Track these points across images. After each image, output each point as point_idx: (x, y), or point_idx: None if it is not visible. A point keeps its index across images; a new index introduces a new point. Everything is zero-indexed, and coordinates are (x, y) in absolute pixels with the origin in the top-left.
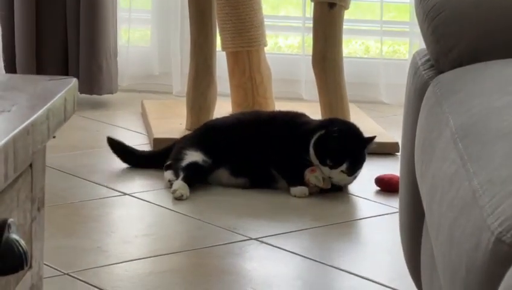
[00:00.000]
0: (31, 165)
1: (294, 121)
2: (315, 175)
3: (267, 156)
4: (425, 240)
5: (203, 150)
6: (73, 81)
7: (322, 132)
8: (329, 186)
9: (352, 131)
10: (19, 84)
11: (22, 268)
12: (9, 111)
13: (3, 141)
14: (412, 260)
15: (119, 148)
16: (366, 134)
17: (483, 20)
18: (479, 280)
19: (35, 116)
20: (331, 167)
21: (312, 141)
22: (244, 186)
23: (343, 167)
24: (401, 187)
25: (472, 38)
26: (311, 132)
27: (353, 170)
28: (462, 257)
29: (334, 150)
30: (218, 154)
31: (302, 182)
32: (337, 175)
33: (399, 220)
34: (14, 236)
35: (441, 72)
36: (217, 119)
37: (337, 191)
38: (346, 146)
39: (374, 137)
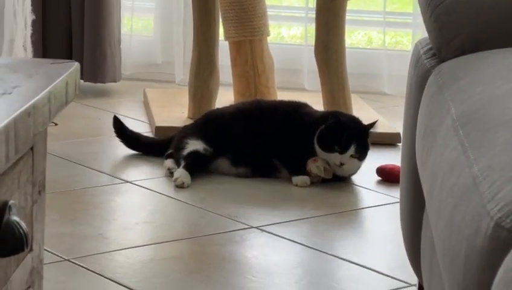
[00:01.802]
0: (32, 149)
1: (296, 111)
2: (316, 165)
3: (269, 146)
4: (425, 229)
5: (204, 139)
6: (75, 65)
7: (323, 126)
8: (330, 176)
9: (353, 118)
10: (20, 67)
11: (23, 250)
12: (10, 93)
13: (5, 123)
14: (412, 249)
15: (123, 131)
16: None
17: (485, 8)
18: (479, 265)
19: (36, 98)
20: (341, 152)
21: (316, 136)
22: (245, 176)
23: (352, 150)
24: (402, 176)
25: (474, 27)
26: (313, 124)
27: (362, 152)
28: (462, 243)
29: (340, 135)
30: (219, 144)
31: (304, 171)
32: (348, 160)
33: (400, 210)
34: (15, 218)
35: (443, 60)
36: (219, 109)
37: (339, 181)
38: (351, 130)
39: (375, 121)
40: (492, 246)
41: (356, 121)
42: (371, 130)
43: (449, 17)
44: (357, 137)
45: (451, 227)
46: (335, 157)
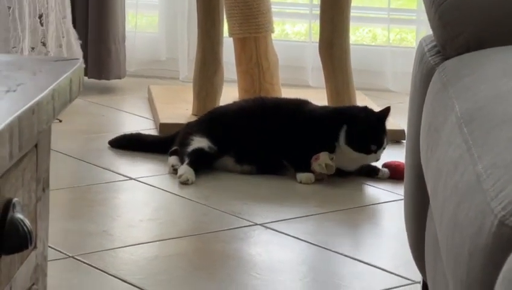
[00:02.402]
0: (36, 146)
1: (300, 108)
2: (319, 163)
3: (273, 143)
4: (429, 226)
5: (209, 136)
6: (79, 62)
7: (347, 127)
8: (333, 172)
9: (369, 111)
10: (25, 64)
11: (27, 247)
12: (14, 91)
13: (8, 120)
14: (416, 246)
15: (124, 143)
16: None
17: (489, 6)
18: (482, 263)
19: (40, 96)
20: (376, 151)
21: (344, 138)
22: (249, 174)
23: (385, 143)
24: (406, 173)
25: (479, 24)
26: (318, 121)
27: (387, 141)
28: (466, 241)
29: (374, 135)
30: (223, 142)
31: (309, 169)
32: (380, 154)
33: (404, 207)
34: (19, 215)
35: (447, 58)
36: (222, 107)
37: (343, 178)
38: (380, 126)
39: (388, 108)
40: (496, 244)
41: (374, 114)
42: (388, 116)
43: (453, 15)
44: (384, 129)
45: (455, 225)
46: (371, 158)
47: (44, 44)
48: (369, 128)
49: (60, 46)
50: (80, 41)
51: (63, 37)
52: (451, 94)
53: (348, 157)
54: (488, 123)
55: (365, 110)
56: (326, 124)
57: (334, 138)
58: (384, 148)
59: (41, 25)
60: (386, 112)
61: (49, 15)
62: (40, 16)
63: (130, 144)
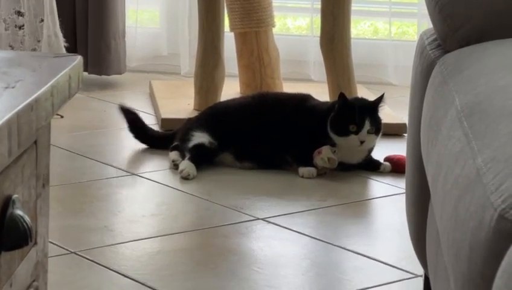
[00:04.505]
0: (35, 142)
1: (302, 103)
2: (321, 157)
3: (275, 138)
4: (430, 220)
5: (209, 132)
6: (78, 59)
7: (332, 113)
8: (335, 165)
9: (359, 97)
10: (23, 61)
11: (27, 244)
12: (13, 87)
13: (7, 117)
14: (418, 240)
15: (131, 120)
16: None
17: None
18: (483, 256)
19: (39, 92)
20: (357, 132)
21: (328, 125)
22: (250, 169)
23: (367, 124)
24: (408, 167)
25: (479, 17)
26: (320, 115)
27: (376, 125)
28: (466, 234)
29: (351, 114)
30: (224, 138)
31: (311, 163)
32: (366, 137)
33: (405, 201)
34: (19, 212)
35: (448, 51)
36: (222, 102)
37: (345, 172)
38: (360, 107)
39: (382, 95)
40: (496, 237)
41: (362, 99)
42: (380, 103)
43: (454, 8)
44: (368, 112)
45: (455, 218)
46: (353, 140)
47: (12, 48)
48: (345, 110)
49: (34, 49)
50: (66, 45)
51: (39, 40)
52: (452, 87)
53: (343, 147)
54: (488, 117)
55: (355, 97)
56: (324, 118)
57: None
58: (374, 133)
59: (6, 29)
60: (378, 99)
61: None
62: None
63: (140, 131)
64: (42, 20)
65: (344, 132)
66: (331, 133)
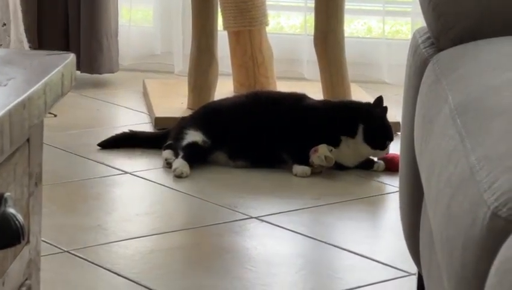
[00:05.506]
0: (28, 140)
1: (298, 103)
2: (318, 156)
3: (269, 137)
4: (424, 218)
5: (203, 131)
6: (71, 56)
7: (364, 126)
8: (332, 164)
9: (370, 106)
10: (15, 59)
11: (19, 242)
12: (5, 85)
13: None
14: (411, 238)
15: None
16: None
17: None
18: (476, 254)
19: (31, 90)
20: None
21: (363, 138)
22: (244, 168)
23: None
24: (401, 165)
25: (472, 16)
26: (316, 115)
27: None
28: (459, 232)
29: (387, 131)
30: (217, 137)
31: (307, 162)
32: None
33: (399, 199)
34: (11, 210)
35: (441, 49)
36: (216, 102)
37: (339, 171)
38: (388, 122)
39: (380, 97)
40: (490, 235)
41: (382, 110)
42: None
43: (447, 7)
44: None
45: (448, 217)
46: (379, 153)
47: None
48: (384, 126)
49: None
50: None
51: (0, 44)
52: (445, 86)
53: (358, 153)
54: (481, 115)
55: (374, 106)
56: (328, 118)
57: (337, 131)
58: None
59: None
60: (384, 107)
61: None
62: None
63: (122, 143)
64: (5, 25)
65: (381, 146)
66: (365, 144)
